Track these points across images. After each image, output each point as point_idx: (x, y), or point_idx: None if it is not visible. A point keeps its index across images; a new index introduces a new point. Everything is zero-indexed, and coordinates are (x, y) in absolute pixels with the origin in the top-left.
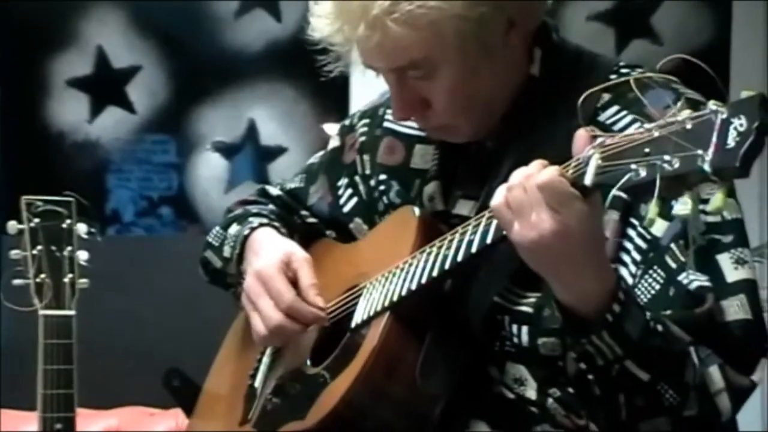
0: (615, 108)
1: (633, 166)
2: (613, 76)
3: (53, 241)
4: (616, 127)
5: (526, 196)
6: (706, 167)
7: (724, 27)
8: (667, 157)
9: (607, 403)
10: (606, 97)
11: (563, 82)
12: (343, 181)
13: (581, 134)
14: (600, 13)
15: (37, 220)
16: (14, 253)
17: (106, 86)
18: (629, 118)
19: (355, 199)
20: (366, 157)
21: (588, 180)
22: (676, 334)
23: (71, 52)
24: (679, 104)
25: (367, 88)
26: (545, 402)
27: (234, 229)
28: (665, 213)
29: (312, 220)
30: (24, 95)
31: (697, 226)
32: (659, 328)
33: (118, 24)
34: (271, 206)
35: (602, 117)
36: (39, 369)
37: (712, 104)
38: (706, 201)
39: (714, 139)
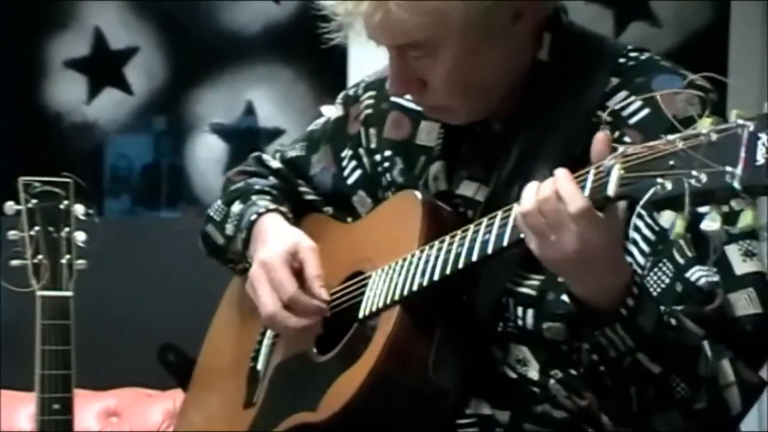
0: (623, 93)
1: (659, 180)
2: (621, 60)
3: (51, 222)
4: (625, 113)
5: (543, 220)
6: (736, 184)
7: (723, 9)
8: (694, 172)
9: (618, 394)
10: (614, 81)
11: (572, 66)
12: (347, 153)
13: (601, 137)
14: None
15: (34, 201)
16: (12, 234)
17: (103, 67)
18: (638, 104)
19: (359, 172)
20: (372, 131)
21: (611, 191)
22: (689, 328)
23: (69, 32)
24: (704, 116)
25: (365, 69)
26: (547, 383)
27: (237, 207)
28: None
29: (311, 197)
30: (21, 76)
31: (721, 238)
32: (673, 321)
33: (116, 5)
34: (272, 179)
35: (610, 102)
36: (37, 350)
37: (736, 116)
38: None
39: (742, 154)
